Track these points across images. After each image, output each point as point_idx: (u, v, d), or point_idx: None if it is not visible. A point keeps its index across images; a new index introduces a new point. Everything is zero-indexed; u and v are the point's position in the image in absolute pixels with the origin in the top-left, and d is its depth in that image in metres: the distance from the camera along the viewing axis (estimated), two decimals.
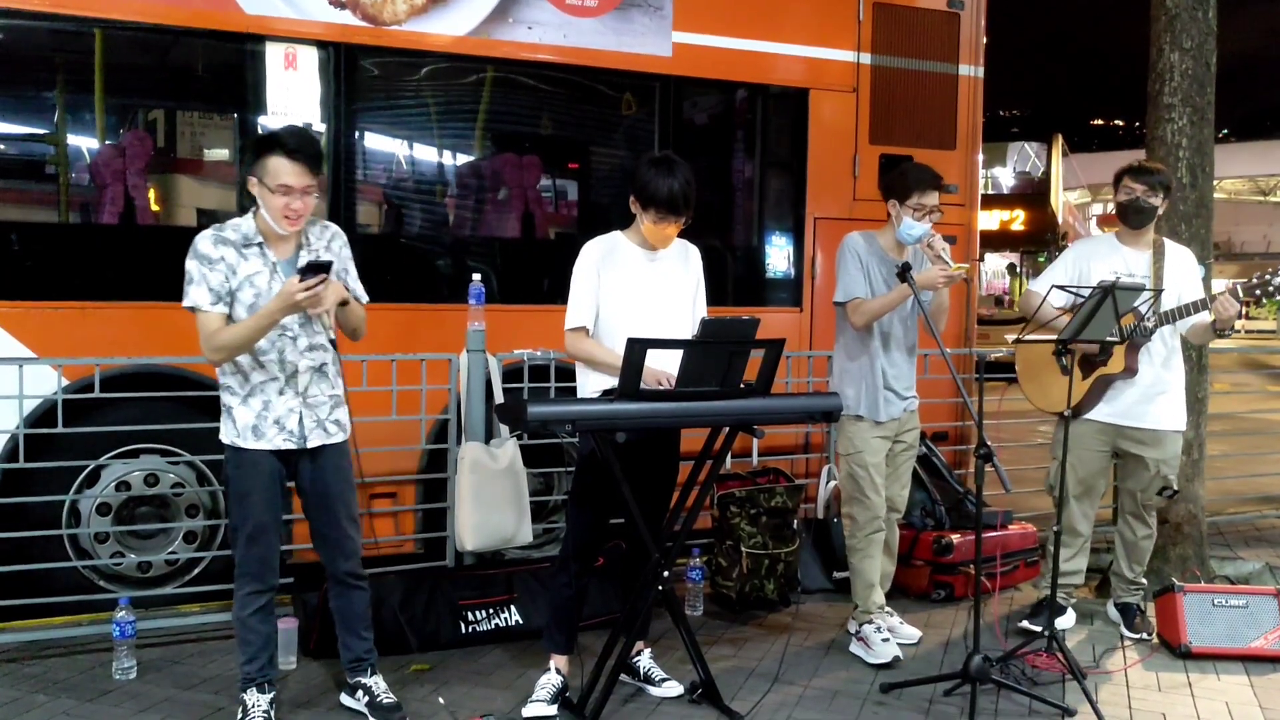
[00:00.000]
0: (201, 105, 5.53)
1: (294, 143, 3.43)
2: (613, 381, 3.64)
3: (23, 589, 4.50)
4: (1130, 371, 4.54)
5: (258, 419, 3.53)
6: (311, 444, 3.60)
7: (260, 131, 5.34)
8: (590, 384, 3.87)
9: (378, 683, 3.80)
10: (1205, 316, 4.44)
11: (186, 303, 3.45)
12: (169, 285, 4.99)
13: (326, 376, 3.65)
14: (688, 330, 3.88)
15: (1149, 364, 4.57)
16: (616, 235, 3.93)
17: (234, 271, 3.45)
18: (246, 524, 3.58)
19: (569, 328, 3.85)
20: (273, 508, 3.60)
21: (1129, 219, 4.64)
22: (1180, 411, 4.70)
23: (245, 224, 3.52)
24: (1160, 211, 4.67)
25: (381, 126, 5.72)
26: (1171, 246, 4.74)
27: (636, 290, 3.85)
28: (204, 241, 3.46)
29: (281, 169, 3.38)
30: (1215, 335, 4.57)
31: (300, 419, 3.57)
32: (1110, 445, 4.70)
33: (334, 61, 5.29)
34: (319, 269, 3.31)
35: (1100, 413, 4.64)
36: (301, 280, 3.29)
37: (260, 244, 3.50)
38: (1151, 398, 4.60)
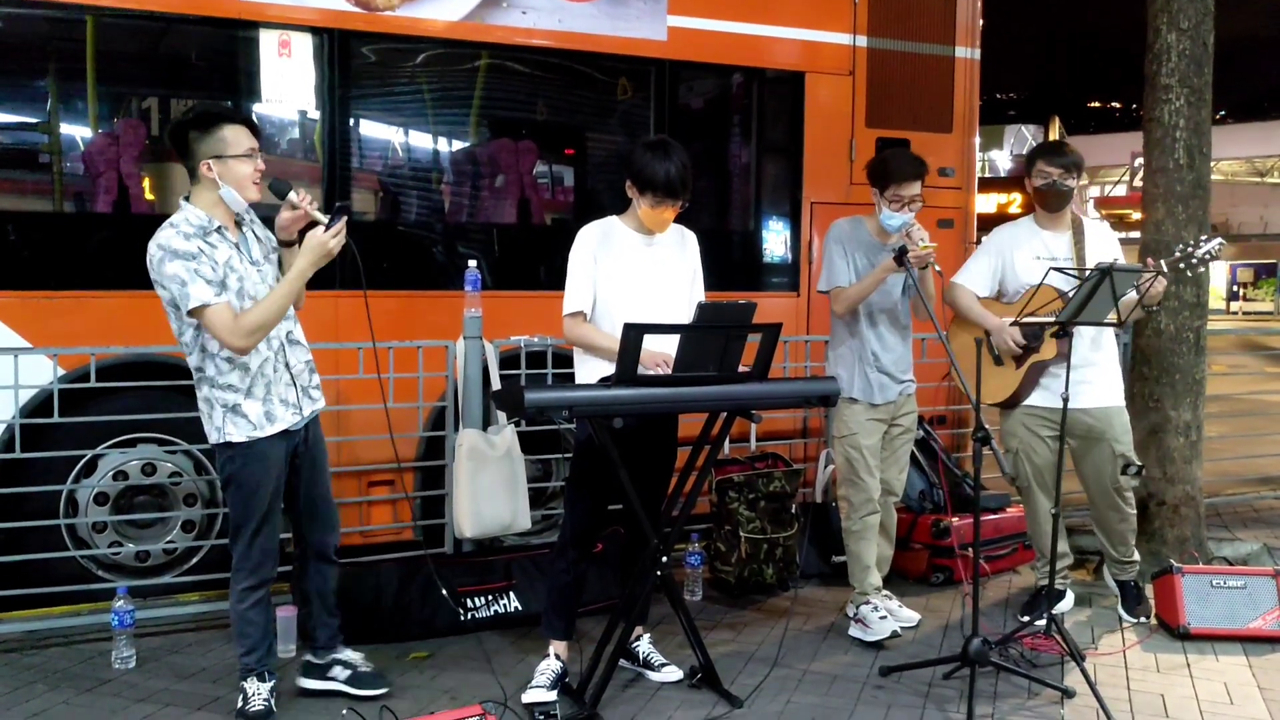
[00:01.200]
0: (195, 93, 5.49)
1: (228, 110, 3.51)
2: (611, 369, 3.63)
3: (21, 579, 4.50)
4: (1062, 356, 4.46)
5: (265, 404, 3.50)
6: (306, 413, 3.61)
7: (256, 117, 5.35)
8: (588, 371, 3.86)
9: (353, 653, 3.79)
10: (1132, 294, 4.32)
11: (192, 305, 3.31)
12: None
13: (298, 344, 3.66)
14: (685, 315, 3.88)
15: (1078, 345, 4.52)
16: (612, 220, 3.92)
17: (215, 261, 3.39)
18: (254, 519, 3.54)
19: (567, 313, 3.84)
20: (278, 497, 3.60)
21: (1048, 203, 4.58)
22: (1116, 386, 4.65)
23: (192, 214, 3.42)
24: (1075, 192, 4.63)
25: (376, 113, 5.69)
26: (1090, 224, 4.69)
27: (633, 275, 3.84)
28: (173, 240, 3.34)
29: (240, 135, 3.39)
30: (1142, 310, 4.50)
31: (294, 391, 3.58)
32: (1055, 430, 4.63)
33: (328, 47, 5.26)
34: (343, 211, 3.39)
35: (1037, 399, 4.58)
36: (329, 228, 3.35)
37: (220, 229, 3.43)
38: (1086, 379, 4.52)
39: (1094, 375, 4.56)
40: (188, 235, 3.36)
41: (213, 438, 3.52)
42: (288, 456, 3.61)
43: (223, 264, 3.40)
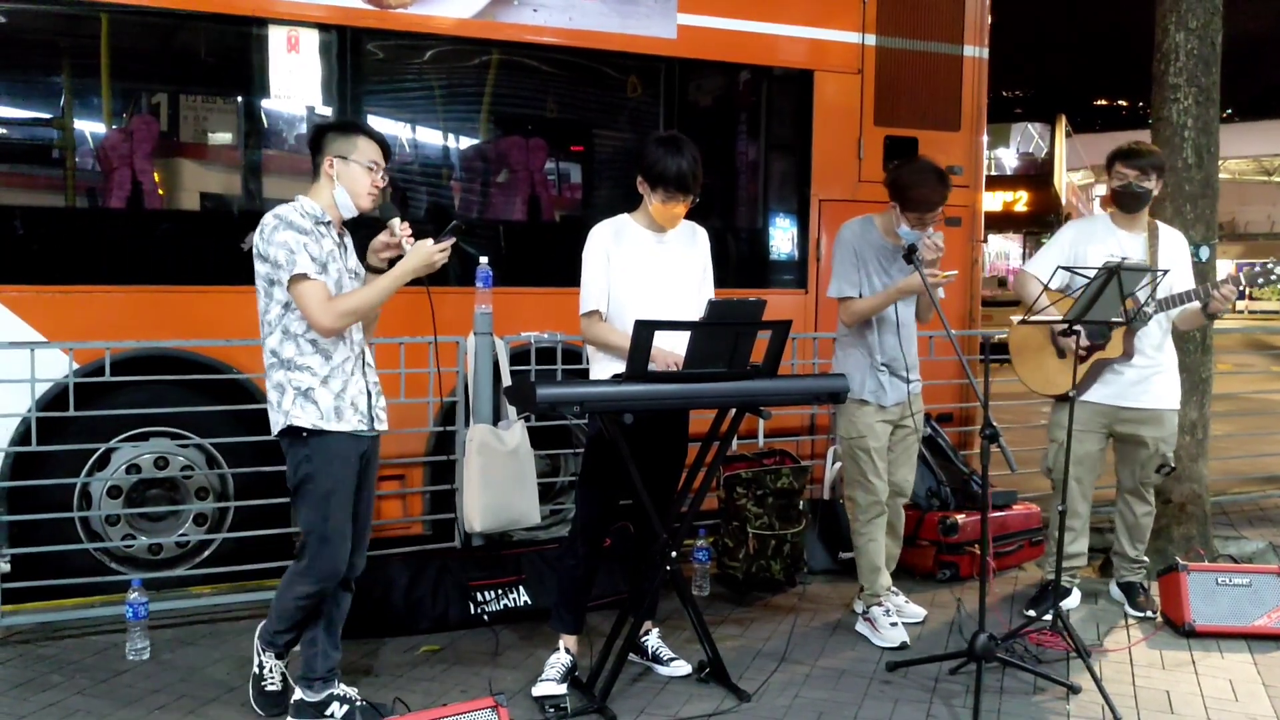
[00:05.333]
0: (207, 89, 5.53)
1: (373, 130, 3.63)
2: (624, 366, 3.67)
3: (36, 571, 4.53)
4: (1127, 355, 4.55)
5: (337, 400, 3.45)
6: (378, 427, 3.58)
7: (264, 113, 5.38)
8: (602, 369, 3.89)
9: (348, 688, 3.64)
10: (1196, 304, 4.43)
11: (296, 270, 3.32)
12: (176, 268, 5.07)
13: (372, 365, 3.67)
14: (696, 312, 3.91)
15: (1143, 347, 4.58)
16: (624, 218, 3.95)
17: (321, 246, 3.43)
18: (325, 523, 3.45)
19: (583, 312, 3.88)
20: (350, 505, 3.51)
21: (1123, 204, 4.63)
22: (1175, 390, 4.71)
23: (308, 204, 3.47)
24: (1155, 194, 4.66)
25: (386, 110, 5.71)
26: (1165, 230, 4.73)
27: (645, 272, 3.87)
28: (291, 214, 3.40)
29: (369, 148, 3.50)
30: (1206, 320, 4.57)
31: (369, 401, 3.55)
32: (1107, 427, 4.70)
33: (338, 45, 5.29)
34: (456, 230, 3.51)
35: (1096, 394, 4.64)
36: (438, 242, 3.44)
37: (328, 223, 3.50)
38: (1147, 379, 4.61)
39: (1156, 376, 4.63)
40: (304, 215, 3.43)
41: (278, 424, 3.43)
42: (358, 464, 3.54)
43: (326, 252, 3.43)
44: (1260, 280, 4.55)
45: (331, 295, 3.39)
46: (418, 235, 3.57)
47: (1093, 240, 4.68)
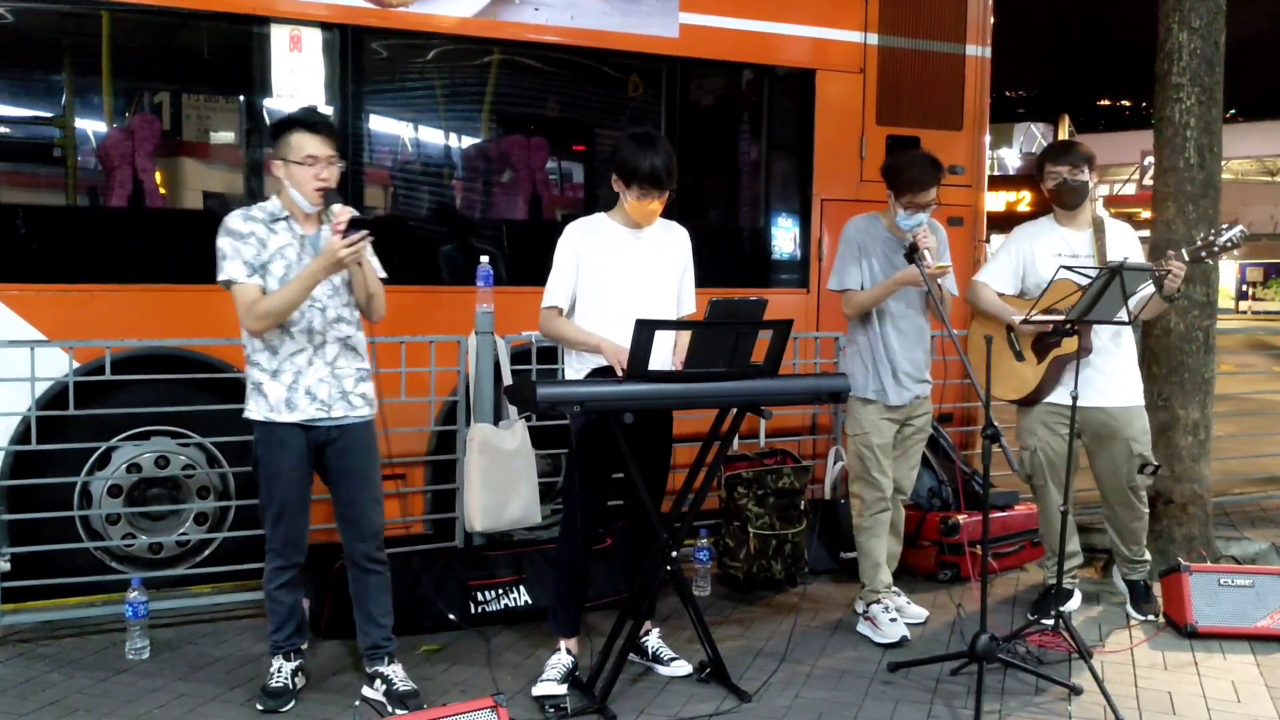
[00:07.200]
0: (207, 88, 5.53)
1: (310, 117, 3.65)
2: (598, 362, 3.75)
3: (36, 570, 4.53)
4: (1085, 350, 4.47)
5: (289, 391, 3.58)
6: (336, 414, 3.63)
7: (266, 112, 5.37)
8: (575, 364, 3.92)
9: (396, 671, 3.76)
10: (1151, 288, 4.37)
11: (222, 277, 3.53)
12: (177, 267, 5.07)
13: (353, 350, 3.71)
14: (672, 308, 3.91)
15: (1098, 341, 4.54)
16: (599, 216, 3.97)
17: (264, 245, 3.54)
18: (274, 504, 3.64)
19: (543, 306, 3.91)
20: (300, 488, 3.66)
21: (1063, 201, 4.63)
22: (1135, 385, 4.67)
23: (270, 204, 3.63)
24: (1092, 185, 4.65)
25: (388, 108, 5.71)
26: (1112, 223, 4.71)
27: (619, 268, 3.87)
28: (233, 219, 3.57)
29: (305, 142, 3.53)
30: (1165, 303, 4.47)
31: (329, 389, 3.62)
32: (1076, 427, 4.64)
33: (340, 43, 5.28)
34: (359, 225, 3.44)
35: (1061, 396, 4.57)
36: (344, 237, 3.41)
37: (287, 218, 3.59)
38: (1106, 374, 4.56)
39: (1115, 373, 4.58)
40: (249, 218, 3.58)
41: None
42: (310, 451, 3.64)
43: (274, 250, 3.55)
44: (1204, 253, 4.35)
45: (260, 296, 3.51)
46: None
47: (1037, 240, 4.66)
